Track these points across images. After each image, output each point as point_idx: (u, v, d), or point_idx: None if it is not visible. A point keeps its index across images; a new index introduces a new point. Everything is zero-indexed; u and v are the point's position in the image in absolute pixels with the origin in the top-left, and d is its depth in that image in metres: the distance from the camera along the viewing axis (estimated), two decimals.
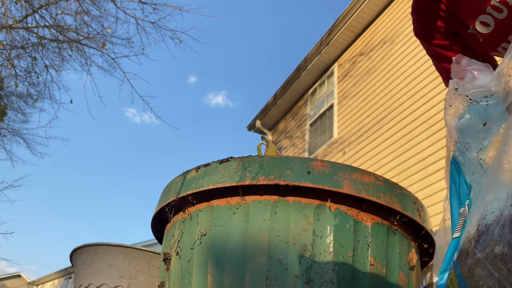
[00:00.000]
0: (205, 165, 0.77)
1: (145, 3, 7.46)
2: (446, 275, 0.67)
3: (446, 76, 1.23)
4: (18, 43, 7.69)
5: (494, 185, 0.55)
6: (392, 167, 5.54)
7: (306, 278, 0.67)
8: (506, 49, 1.07)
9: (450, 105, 0.76)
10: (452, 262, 0.64)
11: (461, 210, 0.71)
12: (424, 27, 1.18)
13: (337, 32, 7.49)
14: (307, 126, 8.31)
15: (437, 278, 0.73)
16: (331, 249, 0.68)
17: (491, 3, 0.99)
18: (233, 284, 0.68)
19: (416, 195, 0.85)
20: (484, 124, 0.70)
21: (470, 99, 0.71)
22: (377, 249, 0.71)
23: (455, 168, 0.74)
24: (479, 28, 1.04)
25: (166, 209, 0.83)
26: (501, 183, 0.54)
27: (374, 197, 0.71)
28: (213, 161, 0.77)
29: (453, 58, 0.83)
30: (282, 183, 0.69)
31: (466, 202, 0.70)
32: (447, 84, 1.21)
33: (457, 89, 0.75)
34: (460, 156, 0.73)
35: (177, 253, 0.76)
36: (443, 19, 1.14)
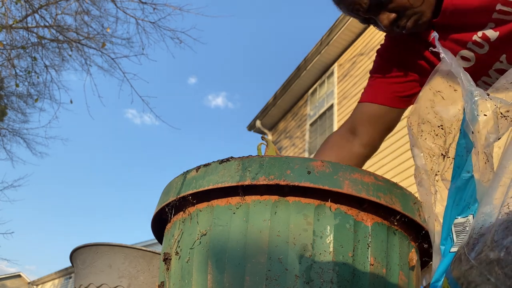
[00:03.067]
0: (205, 165, 0.77)
1: (145, 3, 7.47)
2: (440, 284, 0.66)
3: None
4: (18, 43, 7.69)
5: (491, 197, 0.54)
6: (392, 167, 5.55)
7: (306, 278, 0.66)
8: (486, 83, 1.07)
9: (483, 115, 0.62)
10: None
11: (463, 220, 0.66)
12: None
13: (337, 32, 7.49)
14: (307, 126, 8.32)
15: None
16: (331, 249, 0.68)
17: (473, 39, 0.99)
18: (233, 284, 0.68)
19: (416, 195, 0.85)
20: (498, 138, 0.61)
21: (502, 114, 0.61)
22: (377, 249, 0.71)
23: (466, 179, 0.68)
24: (459, 62, 1.03)
25: (166, 209, 0.83)
26: (498, 196, 0.53)
27: (374, 197, 0.71)
28: (213, 161, 0.77)
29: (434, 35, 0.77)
30: (282, 183, 0.69)
31: (469, 216, 0.65)
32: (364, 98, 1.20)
33: (488, 94, 0.64)
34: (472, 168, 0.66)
35: (177, 253, 0.76)
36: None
